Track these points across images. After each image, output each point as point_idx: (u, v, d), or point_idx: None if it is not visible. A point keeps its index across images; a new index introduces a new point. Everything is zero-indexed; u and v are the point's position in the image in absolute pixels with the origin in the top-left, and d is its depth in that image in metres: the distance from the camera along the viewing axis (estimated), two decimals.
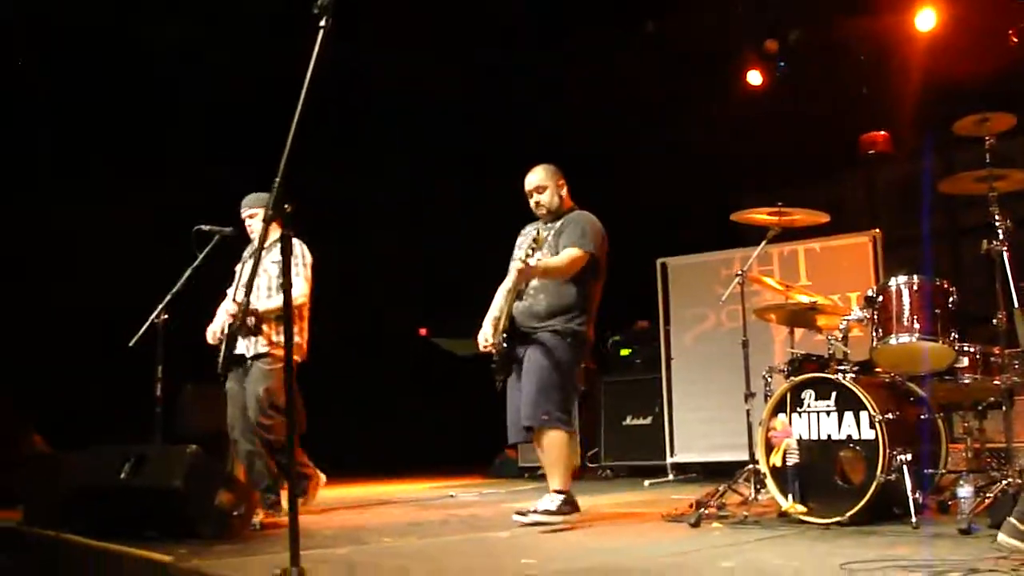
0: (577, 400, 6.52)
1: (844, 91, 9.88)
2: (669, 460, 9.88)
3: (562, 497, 6.02)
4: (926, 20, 9.39)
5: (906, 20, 9.49)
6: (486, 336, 6.33)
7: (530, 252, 5.86)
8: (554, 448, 6.07)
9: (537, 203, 6.42)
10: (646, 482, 9.48)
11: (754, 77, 10.57)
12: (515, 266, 6.10)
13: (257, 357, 6.73)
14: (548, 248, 6.18)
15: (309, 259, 7.00)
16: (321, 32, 3.90)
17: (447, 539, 5.94)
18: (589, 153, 10.27)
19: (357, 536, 6.03)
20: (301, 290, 6.86)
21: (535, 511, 5.98)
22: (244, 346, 6.75)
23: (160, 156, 9.85)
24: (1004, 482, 5.64)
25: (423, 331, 13.12)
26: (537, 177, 6.45)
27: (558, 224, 6.33)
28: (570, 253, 6.15)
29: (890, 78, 9.36)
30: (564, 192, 6.47)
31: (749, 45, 10.51)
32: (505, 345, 6.13)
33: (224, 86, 9.49)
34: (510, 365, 6.21)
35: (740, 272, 6.85)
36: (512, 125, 10.48)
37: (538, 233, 6.09)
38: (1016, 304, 5.71)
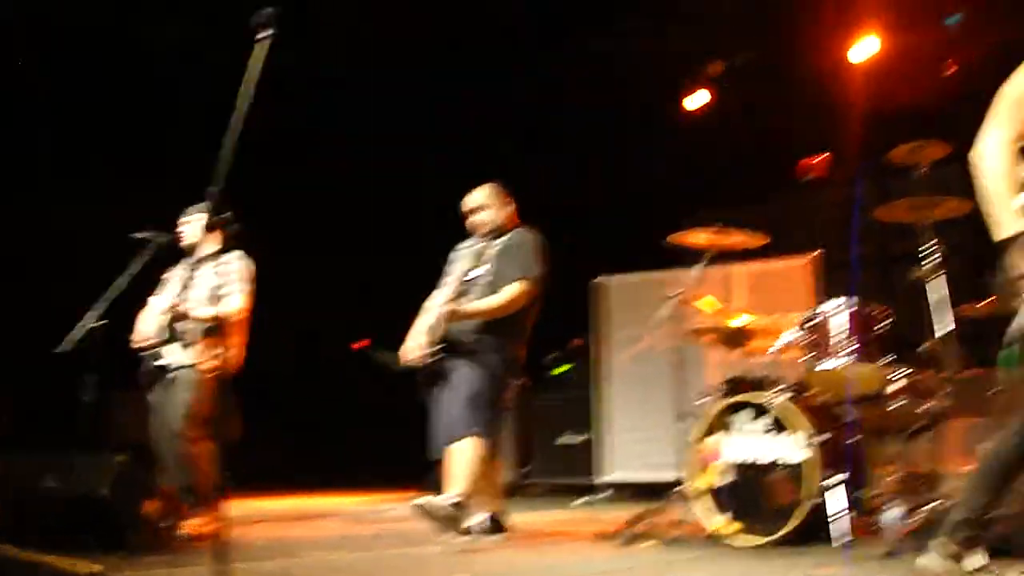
0: (504, 417, 6.46)
1: (785, 115, 9.97)
2: (601, 479, 9.90)
3: (457, 500, 5.85)
4: (867, 48, 9.53)
5: (847, 47, 9.62)
6: (415, 347, 6.21)
7: (474, 266, 5.86)
8: (469, 454, 5.92)
9: (476, 222, 6.36)
10: (578, 500, 9.49)
11: (698, 98, 10.65)
12: (450, 281, 6.08)
13: (187, 367, 6.66)
14: (490, 267, 6.13)
15: (248, 272, 6.96)
16: (260, 45, 3.89)
17: (380, 553, 5.91)
18: (529, 170, 10.27)
19: (288, 549, 5.98)
20: (240, 304, 6.81)
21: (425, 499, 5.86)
22: (173, 356, 6.68)
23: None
24: (930, 506, 5.70)
25: (361, 343, 13.04)
26: (479, 197, 6.38)
27: (501, 242, 6.27)
28: (512, 291, 6.05)
29: (831, 104, 9.46)
30: (510, 210, 6.40)
31: (692, 67, 10.60)
32: (434, 359, 6.06)
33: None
34: (436, 380, 6.12)
35: (675, 293, 6.88)
36: (450, 140, 10.48)
37: (483, 252, 6.05)
38: (949, 329, 5.79)
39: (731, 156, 10.00)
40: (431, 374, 6.08)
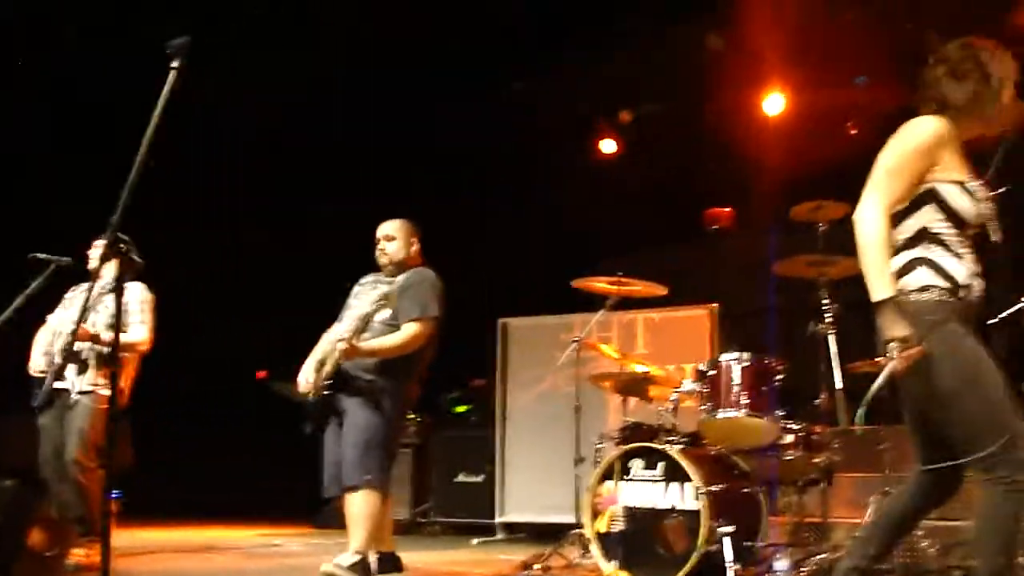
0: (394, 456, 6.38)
1: (693, 166, 10.13)
2: (499, 519, 9.90)
3: (358, 558, 5.78)
4: (774, 104, 9.73)
5: (756, 103, 9.80)
6: (307, 378, 6.05)
7: (379, 305, 5.83)
8: (365, 509, 5.80)
9: (383, 251, 6.26)
10: (475, 540, 9.48)
11: (607, 145, 10.78)
12: (349, 315, 6.04)
13: (83, 394, 6.56)
14: (384, 305, 6.06)
15: (150, 303, 6.90)
16: (173, 73, 3.88)
17: None
18: (438, 207, 10.30)
19: None
20: (143, 336, 6.76)
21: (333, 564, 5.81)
22: (70, 381, 6.58)
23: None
24: (820, 557, 5.81)
25: (261, 374, 12.93)
26: (391, 226, 6.30)
27: (401, 280, 6.23)
28: (409, 331, 5.91)
29: (737, 158, 9.64)
30: (414, 249, 6.31)
31: (603, 114, 10.72)
32: (326, 393, 5.92)
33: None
34: (326, 415, 5.97)
35: (577, 338, 6.95)
36: (360, 172, 10.47)
37: (388, 292, 6.02)
38: (840, 385, 5.92)
39: (638, 204, 10.11)
40: (322, 408, 5.98)
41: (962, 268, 3.96)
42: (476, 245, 10.61)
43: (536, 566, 6.34)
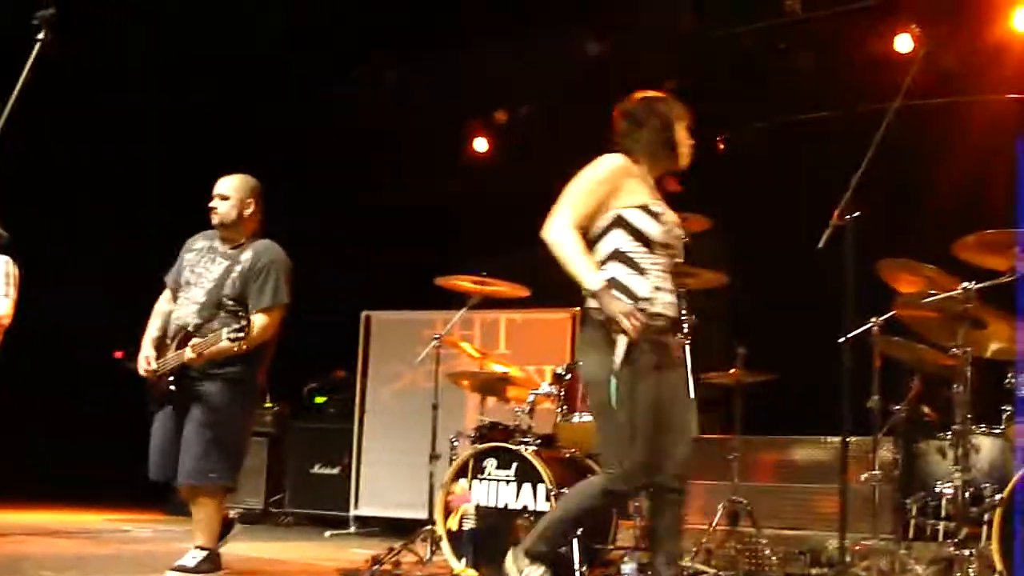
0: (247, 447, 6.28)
1: (564, 169, 10.18)
2: (353, 512, 9.87)
3: (205, 554, 5.69)
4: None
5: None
6: (146, 360, 5.87)
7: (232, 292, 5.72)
8: (211, 505, 5.73)
9: (214, 209, 5.92)
10: (327, 533, 9.45)
11: (480, 144, 10.79)
12: (193, 294, 5.85)
13: None
14: (231, 286, 5.88)
15: (14, 277, 6.76)
16: (38, 44, 3.81)
17: None
18: (307, 194, 10.24)
19: (15, 567, 5.77)
20: (4, 310, 6.63)
21: (174, 567, 5.66)
22: None
23: None
24: None
25: (118, 354, 12.65)
26: (228, 184, 5.95)
27: (245, 259, 5.87)
28: (260, 323, 5.67)
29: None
30: (249, 212, 5.96)
31: (478, 113, 10.73)
32: (171, 379, 5.71)
33: None
34: (168, 400, 5.77)
35: (439, 335, 6.97)
36: (231, 154, 10.31)
37: (221, 257, 5.85)
38: (693, 395, 6.04)
39: (507, 204, 10.15)
40: (164, 394, 5.77)
41: (645, 284, 4.47)
42: (345, 236, 10.55)
43: (386, 561, 6.34)
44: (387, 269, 10.35)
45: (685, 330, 5.29)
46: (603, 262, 4.55)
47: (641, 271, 4.50)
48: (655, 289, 4.50)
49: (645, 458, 4.41)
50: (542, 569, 4.66)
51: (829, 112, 8.66)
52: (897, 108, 5.39)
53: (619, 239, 4.54)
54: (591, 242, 4.57)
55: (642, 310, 4.38)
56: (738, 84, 9.30)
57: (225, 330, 5.46)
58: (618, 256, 4.53)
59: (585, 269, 4.41)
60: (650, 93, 4.85)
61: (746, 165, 9.15)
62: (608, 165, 4.62)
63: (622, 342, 4.31)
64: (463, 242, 9.99)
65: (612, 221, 4.55)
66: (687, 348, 5.91)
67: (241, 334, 5.40)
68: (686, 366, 4.84)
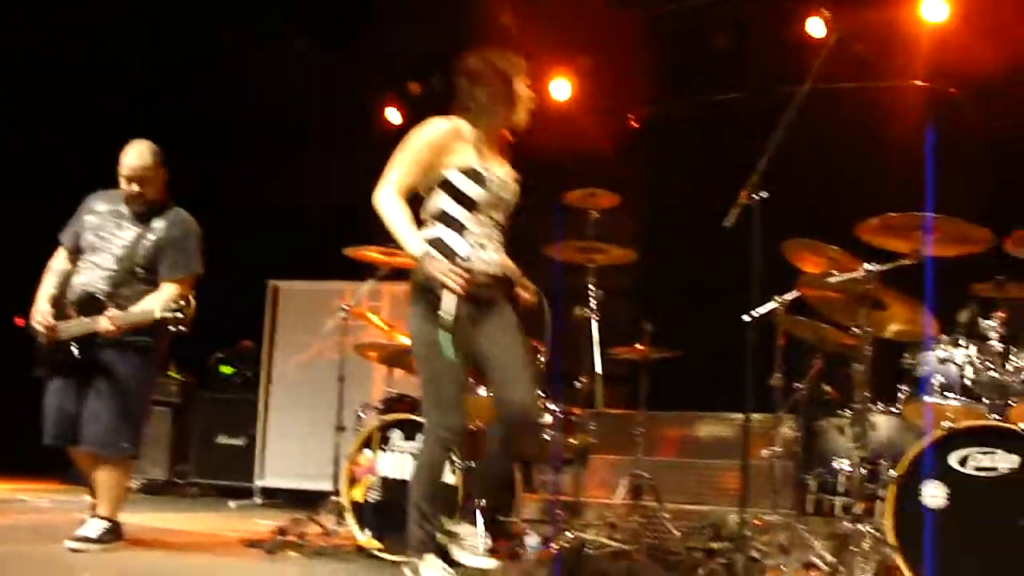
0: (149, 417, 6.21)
1: None
2: (258, 483, 9.81)
3: (107, 525, 5.67)
4: (561, 90, 9.86)
5: (542, 86, 9.92)
6: (43, 320, 5.76)
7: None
8: (116, 476, 5.71)
9: (139, 195, 5.83)
10: (232, 504, 9.37)
11: (393, 116, 10.72)
12: (101, 259, 5.77)
13: None
14: (144, 254, 5.80)
15: None
16: None
17: (9, 548, 5.67)
18: (216, 161, 10.09)
19: None
20: None
21: (75, 537, 5.61)
22: None
23: None
24: (570, 535, 5.97)
25: (19, 321, 12.40)
26: (143, 162, 5.82)
27: (158, 227, 5.83)
28: (173, 293, 5.64)
29: (521, 137, 9.71)
30: (155, 178, 5.87)
31: (392, 84, 10.66)
32: (73, 345, 5.63)
33: None
34: (64, 365, 5.68)
35: (346, 306, 6.93)
36: (132, 119, 10.13)
37: (131, 223, 5.77)
38: (599, 370, 6.09)
39: None
40: (59, 357, 5.67)
41: (464, 244, 4.63)
42: (254, 205, 10.42)
43: (291, 532, 6.31)
44: (295, 239, 10.24)
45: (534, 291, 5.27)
46: (431, 221, 4.72)
47: (462, 231, 4.66)
48: (475, 247, 4.65)
49: (458, 404, 4.70)
50: (432, 557, 4.71)
51: (743, 93, 8.74)
52: (807, 91, 5.44)
53: (444, 200, 4.70)
54: (423, 202, 4.76)
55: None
56: (654, 62, 9.34)
57: (158, 308, 5.42)
58: (442, 217, 4.69)
59: (407, 235, 4.57)
60: (489, 49, 4.92)
61: (659, 143, 9.22)
62: (433, 130, 4.74)
63: (447, 298, 4.48)
64: (372, 213, 9.90)
65: (438, 183, 4.71)
66: (547, 308, 5.86)
67: (180, 315, 5.36)
68: (517, 318, 4.82)
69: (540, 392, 6.22)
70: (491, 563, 4.77)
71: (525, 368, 4.78)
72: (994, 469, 4.76)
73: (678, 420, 8.58)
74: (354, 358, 7.13)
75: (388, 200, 4.62)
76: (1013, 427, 4.79)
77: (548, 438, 6.45)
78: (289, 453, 9.66)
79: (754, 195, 5.23)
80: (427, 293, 4.55)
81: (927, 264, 5.33)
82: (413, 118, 10.45)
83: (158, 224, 5.82)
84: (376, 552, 5.87)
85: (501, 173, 4.77)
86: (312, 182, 10.22)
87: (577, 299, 6.30)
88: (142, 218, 5.86)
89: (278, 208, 10.45)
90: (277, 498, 9.70)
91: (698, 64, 9.37)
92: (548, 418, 6.43)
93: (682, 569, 5.81)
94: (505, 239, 4.86)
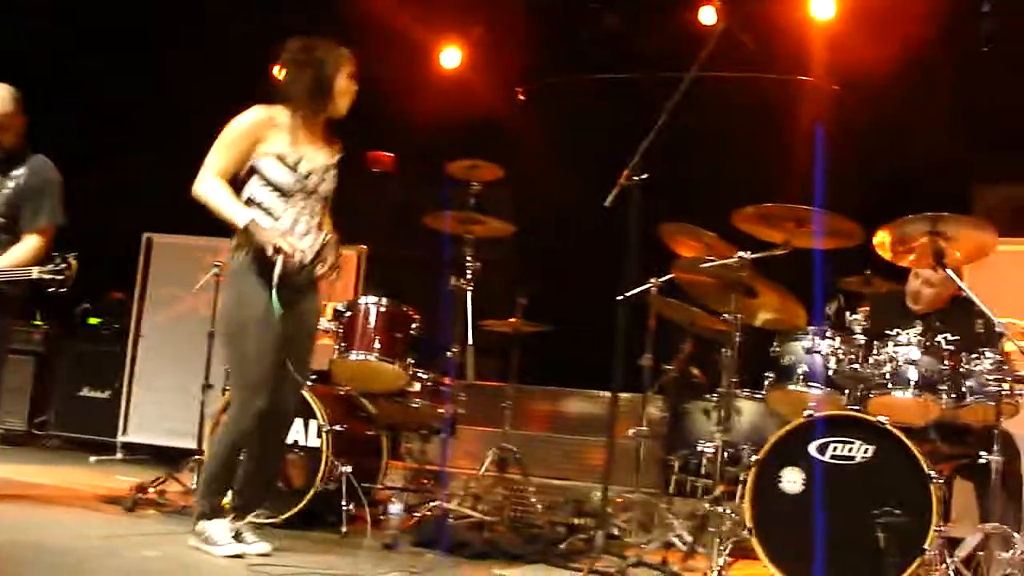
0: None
1: (361, 107, 10.05)
2: (120, 438, 9.62)
3: None
4: (450, 58, 9.82)
5: (433, 54, 9.86)
6: None
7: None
8: None
9: None
10: (92, 458, 9.18)
11: (277, 70, 10.51)
12: None
13: None
14: (3, 203, 5.60)
15: None
16: None
17: None
18: (91, 112, 9.84)
19: None
20: None
21: None
22: None
23: None
24: (434, 503, 5.98)
25: None
26: (2, 108, 5.61)
27: (18, 175, 5.62)
28: (35, 245, 5.50)
29: (409, 105, 9.64)
30: (13, 125, 5.66)
31: (279, 35, 10.46)
32: None
33: None
34: None
35: (219, 263, 6.81)
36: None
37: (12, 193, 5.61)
38: (471, 341, 6.10)
39: None
40: None
41: (275, 229, 4.74)
42: (129, 157, 10.18)
43: (151, 489, 6.22)
44: (171, 192, 10.01)
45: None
46: (245, 207, 4.83)
47: (273, 216, 4.81)
48: (284, 233, 4.76)
49: (266, 386, 4.76)
50: (219, 521, 4.86)
51: (631, 74, 8.79)
52: (694, 78, 5.49)
53: (255, 187, 4.85)
54: (237, 190, 4.87)
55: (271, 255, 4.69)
56: (545, 37, 9.35)
57: (36, 269, 5.28)
58: (253, 203, 4.83)
59: (230, 207, 4.76)
60: (312, 39, 4.99)
61: (545, 118, 9.24)
62: (247, 119, 4.89)
63: (279, 263, 4.66)
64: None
65: (249, 170, 4.87)
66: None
67: (61, 277, 5.23)
68: (316, 312, 5.09)
69: (411, 360, 6.23)
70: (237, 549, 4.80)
71: (303, 370, 5.01)
72: (851, 458, 4.88)
73: (547, 395, 8.65)
74: None
75: (206, 183, 4.80)
76: (871, 419, 4.90)
77: (416, 406, 6.47)
78: (154, 409, 9.48)
79: (634, 177, 5.28)
80: (250, 270, 4.76)
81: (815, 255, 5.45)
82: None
83: (18, 172, 5.63)
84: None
85: (316, 159, 4.91)
86: (193, 135, 10.00)
87: (453, 270, 6.28)
88: (0, 167, 5.67)
89: (157, 160, 10.22)
90: (140, 454, 9.53)
91: (589, 43, 9.39)
92: (417, 386, 6.44)
93: (543, 542, 5.85)
94: (320, 223, 4.97)
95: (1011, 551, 4.82)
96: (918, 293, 5.86)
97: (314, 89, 4.90)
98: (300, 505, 5.77)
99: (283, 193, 4.84)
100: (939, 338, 5.57)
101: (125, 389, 9.64)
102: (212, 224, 7.92)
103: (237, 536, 4.87)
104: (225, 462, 4.88)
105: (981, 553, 4.85)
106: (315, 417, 5.87)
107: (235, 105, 4.81)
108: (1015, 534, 4.84)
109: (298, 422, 5.93)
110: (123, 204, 9.69)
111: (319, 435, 5.86)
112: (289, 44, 4.97)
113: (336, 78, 4.94)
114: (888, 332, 5.85)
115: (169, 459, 7.60)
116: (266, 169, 4.82)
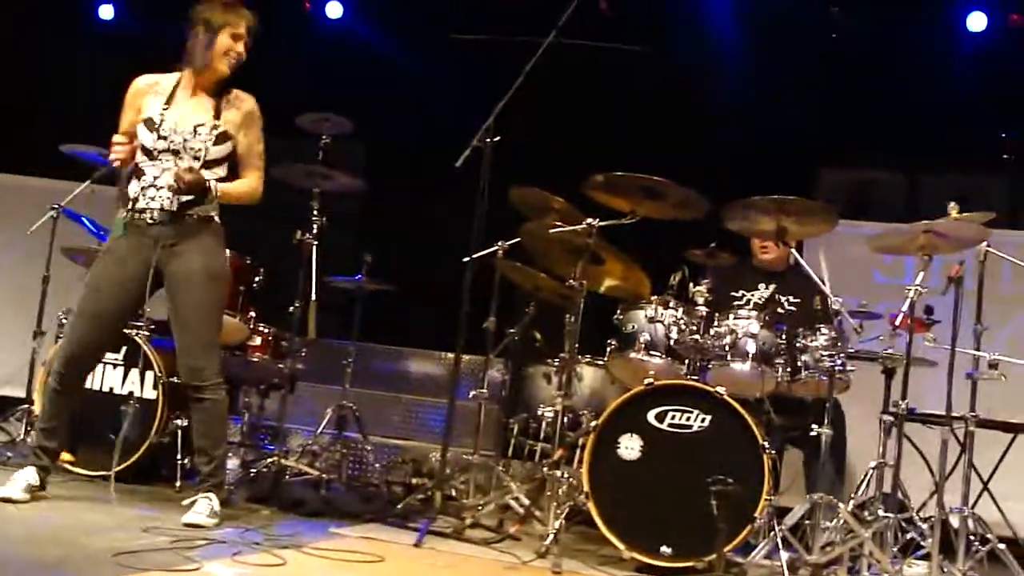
0: None
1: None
2: None
3: None
4: (334, 10, 9.61)
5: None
6: None
7: None
8: None
9: None
10: None
11: (106, 12, 10.12)
12: None
13: None
14: None
15: None
16: None
17: None
18: None
19: None
20: None
21: None
22: None
23: None
24: (270, 460, 5.91)
25: None
26: None
27: None
28: None
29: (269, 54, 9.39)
30: None
31: None
32: None
33: None
34: None
35: (57, 205, 6.59)
36: None
37: None
38: (314, 296, 6.02)
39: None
40: None
41: (136, 186, 4.91)
42: None
43: None
44: (10, 131, 9.64)
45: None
46: None
47: (139, 177, 4.93)
48: (142, 189, 4.89)
49: (83, 335, 4.90)
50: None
51: (489, 36, 8.77)
52: (550, 42, 5.48)
53: (138, 152, 4.98)
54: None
55: (131, 209, 4.90)
56: None
57: None
58: (136, 168, 4.98)
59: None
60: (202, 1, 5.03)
61: (400, 73, 9.14)
62: (130, 88, 5.10)
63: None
64: (92, 110, 9.41)
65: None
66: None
67: None
68: (197, 265, 4.92)
69: (252, 314, 6.14)
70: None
71: (193, 326, 4.97)
72: (689, 427, 4.97)
73: (389, 354, 8.62)
74: (61, 261, 6.81)
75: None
76: (709, 388, 4.99)
77: (256, 360, 6.37)
78: None
79: (487, 139, 5.27)
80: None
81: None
82: (132, 15, 9.98)
83: None
84: (66, 465, 5.60)
85: (188, 120, 4.95)
86: (32, 72, 9.64)
87: (298, 224, 6.18)
88: None
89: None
90: None
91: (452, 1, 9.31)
92: (257, 340, 6.36)
93: (379, 502, 5.84)
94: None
95: (835, 520, 5.01)
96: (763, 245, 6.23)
97: (195, 48, 4.96)
98: (134, 458, 5.62)
99: (148, 154, 4.91)
100: (782, 298, 5.80)
101: None
102: (48, 165, 7.70)
103: None
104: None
105: (808, 521, 5.02)
106: (152, 368, 5.74)
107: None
108: (840, 503, 5.02)
109: (134, 373, 5.80)
110: None
111: (155, 386, 5.73)
112: (193, 5, 5.00)
113: (217, 38, 4.93)
114: (734, 294, 6.04)
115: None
116: (139, 133, 4.93)
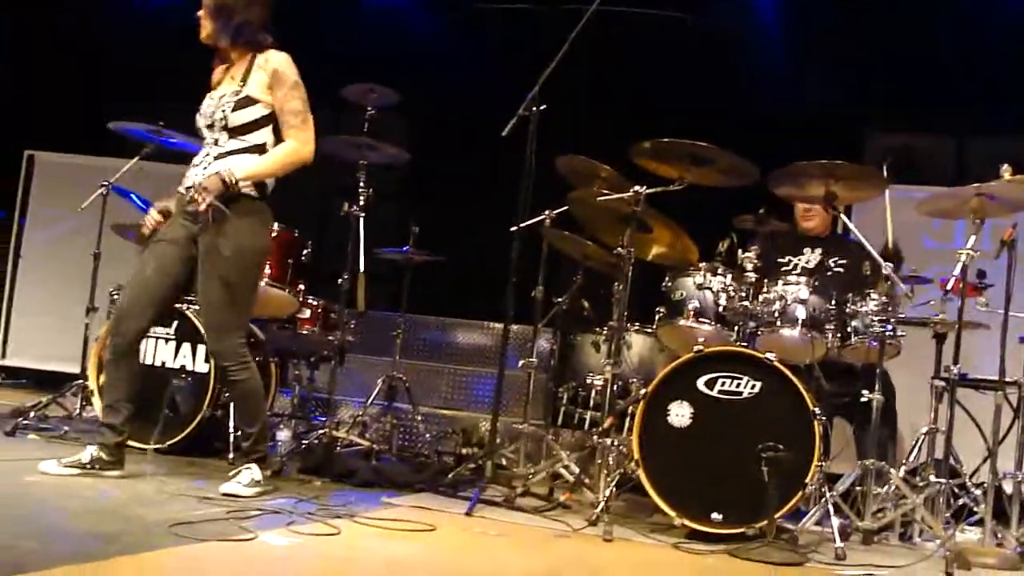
0: None
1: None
2: (0, 362, 9.42)
3: None
4: None
5: None
6: None
7: None
8: None
9: None
10: None
11: None
12: None
13: None
14: None
15: None
16: None
17: None
18: None
19: None
20: None
21: None
22: None
23: None
24: (321, 431, 5.95)
25: None
26: None
27: None
28: None
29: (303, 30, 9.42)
30: None
31: None
32: None
33: None
34: None
35: (106, 183, 6.64)
36: None
37: None
38: (362, 268, 6.05)
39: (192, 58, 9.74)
40: None
41: (190, 168, 4.94)
42: (13, 72, 9.82)
43: (32, 414, 6.09)
44: (55, 108, 9.70)
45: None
46: None
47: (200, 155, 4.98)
48: (192, 167, 4.95)
49: (131, 297, 4.93)
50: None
51: (532, 5, 8.74)
52: (595, 9, 5.45)
53: None
54: None
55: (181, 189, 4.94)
56: None
57: None
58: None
59: None
60: None
61: (447, 45, 9.14)
62: None
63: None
64: (144, 90, 9.50)
65: None
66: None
67: None
68: (215, 247, 4.76)
69: (301, 286, 6.18)
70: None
71: (207, 299, 4.88)
72: (739, 394, 4.95)
73: (438, 325, 8.65)
74: (112, 237, 6.87)
75: None
76: (759, 355, 4.97)
77: (306, 333, 6.42)
78: (35, 331, 9.30)
79: (533, 108, 5.25)
80: None
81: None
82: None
83: None
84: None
85: (217, 93, 4.97)
86: (76, 49, 9.69)
87: (346, 196, 6.20)
88: None
89: (37, 74, 9.88)
90: (21, 378, 9.34)
91: None
92: (307, 313, 6.40)
93: (430, 472, 5.87)
94: (227, 152, 4.87)
95: (886, 486, 4.99)
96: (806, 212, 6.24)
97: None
98: (187, 431, 5.69)
99: (199, 136, 4.99)
100: (829, 261, 5.76)
101: (4, 311, 9.43)
102: (99, 143, 7.75)
103: None
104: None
105: (859, 488, 5.00)
106: (203, 343, 5.78)
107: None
108: (891, 469, 4.99)
109: (186, 347, 5.86)
110: (5, 120, 9.40)
111: (207, 360, 5.78)
112: None
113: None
114: (781, 260, 6.00)
115: (51, 383, 7.47)
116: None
